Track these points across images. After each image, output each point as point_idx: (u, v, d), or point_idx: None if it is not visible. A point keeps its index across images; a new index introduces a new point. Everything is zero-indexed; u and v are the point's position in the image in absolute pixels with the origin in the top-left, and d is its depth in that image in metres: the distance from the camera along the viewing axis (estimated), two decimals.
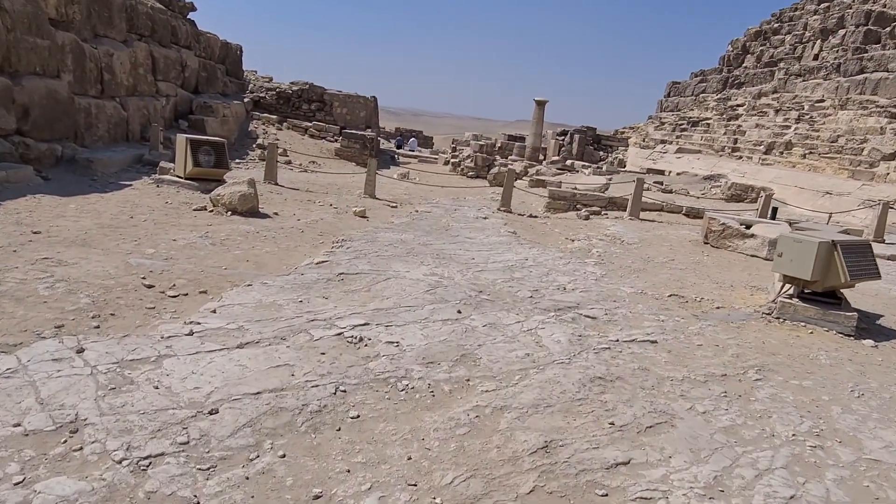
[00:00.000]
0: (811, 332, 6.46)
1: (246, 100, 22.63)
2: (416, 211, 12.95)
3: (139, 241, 7.84)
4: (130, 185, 11.95)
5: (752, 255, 11.06)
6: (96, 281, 6.03)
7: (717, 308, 7.21)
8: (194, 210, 10.29)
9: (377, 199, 14.53)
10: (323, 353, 4.51)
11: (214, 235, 8.62)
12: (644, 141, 34.67)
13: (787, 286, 6.95)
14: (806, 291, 6.85)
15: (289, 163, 19.32)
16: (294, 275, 6.84)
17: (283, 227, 9.93)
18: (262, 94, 22.88)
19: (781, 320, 6.73)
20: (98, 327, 4.83)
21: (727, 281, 8.82)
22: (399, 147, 33.08)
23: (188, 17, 20.87)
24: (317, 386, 3.98)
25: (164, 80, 18.09)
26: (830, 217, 15.04)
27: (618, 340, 5.54)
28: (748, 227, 11.67)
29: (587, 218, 14.23)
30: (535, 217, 14.22)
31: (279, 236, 9.17)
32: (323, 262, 7.47)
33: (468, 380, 4.40)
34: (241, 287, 6.23)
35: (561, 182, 20.37)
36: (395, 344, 4.81)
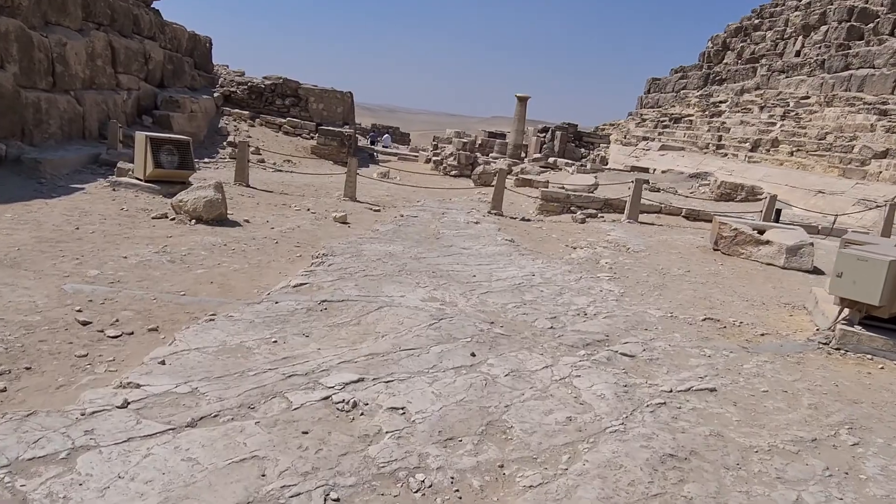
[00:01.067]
0: (882, 368, 5.40)
1: (216, 94, 21.13)
2: (402, 216, 11.74)
3: (82, 259, 6.51)
4: (82, 188, 10.55)
5: (769, 264, 10.05)
6: (17, 317, 4.73)
7: (762, 335, 6.13)
8: (153, 218, 8.95)
9: (358, 201, 13.28)
10: (305, 433, 3.29)
11: (174, 250, 7.32)
12: (625, 138, 33.79)
13: (845, 311, 5.90)
14: (869, 317, 5.81)
15: (262, 162, 17.93)
16: (267, 303, 5.60)
17: (254, 237, 8.65)
18: (232, 89, 21.39)
19: (843, 352, 5.67)
20: (3, 391, 3.57)
21: (756, 297, 7.77)
22: (373, 143, 31.53)
23: (152, 5, 19.32)
24: (298, 495, 2.76)
25: (126, 73, 16.57)
26: (836, 219, 14.16)
27: (671, 391, 4.40)
28: (761, 232, 10.67)
29: (583, 221, 13.15)
30: (529, 220, 13.10)
31: (250, 249, 7.89)
32: (301, 284, 6.23)
33: (502, 466, 3.23)
34: (202, 322, 4.97)
35: (549, 181, 19.28)
36: (401, 411, 3.61)
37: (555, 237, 11.34)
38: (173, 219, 8.95)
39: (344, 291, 6.00)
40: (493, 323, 5.51)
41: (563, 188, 18.11)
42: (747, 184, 20.91)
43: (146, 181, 10.70)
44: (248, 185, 13.21)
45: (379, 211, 12.47)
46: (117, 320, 4.99)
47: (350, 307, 5.55)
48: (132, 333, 4.78)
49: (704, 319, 6.45)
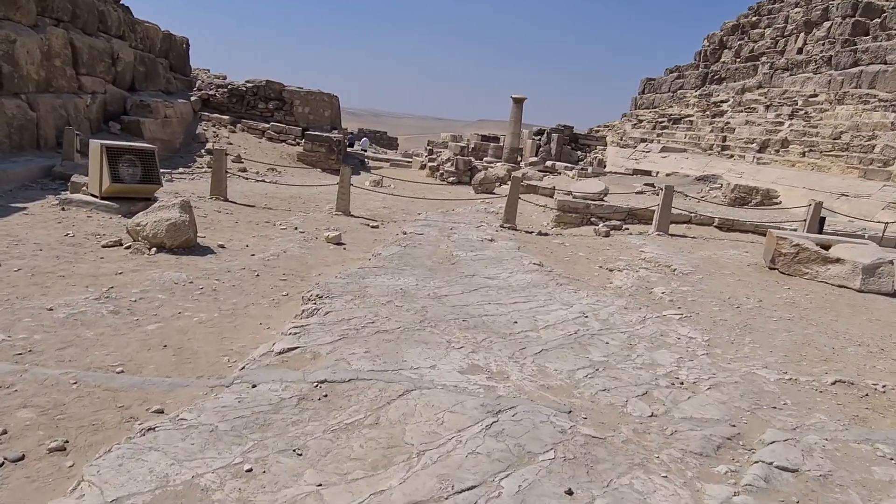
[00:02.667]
0: None
1: (193, 98, 19.17)
2: (405, 233, 9.92)
3: None
4: (24, 208, 8.64)
5: (841, 286, 8.38)
6: None
7: None
8: (104, 247, 7.07)
9: (353, 216, 11.45)
10: None
11: (122, 294, 5.47)
12: (622, 140, 32.20)
13: None
14: None
15: (243, 171, 16.03)
16: (240, 386, 3.78)
17: (230, 268, 6.81)
18: (211, 92, 19.44)
19: None
20: None
21: (864, 338, 6.06)
22: (351, 146, 29.31)
23: (121, 2, 17.36)
24: None
25: (90, 75, 14.61)
26: (886, 227, 12.54)
27: None
28: (826, 247, 9.00)
29: (607, 234, 11.43)
30: (546, 235, 11.34)
31: (223, 287, 6.06)
32: (289, 349, 4.40)
33: None
34: (135, 438, 3.15)
35: (555, 187, 17.56)
36: None
37: (583, 256, 9.59)
38: (129, 247, 7.08)
39: (350, 363, 4.18)
40: (570, 412, 3.72)
41: (570, 194, 16.41)
42: (762, 187, 19.39)
43: (103, 198, 8.84)
44: (226, 199, 11.34)
45: (377, 227, 10.66)
46: (4, 431, 3.16)
47: (362, 393, 3.74)
48: (21, 459, 2.96)
49: (834, 383, 4.71)
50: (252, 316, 5.35)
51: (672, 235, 11.56)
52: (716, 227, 12.45)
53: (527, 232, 11.33)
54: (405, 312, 5.46)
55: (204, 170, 15.99)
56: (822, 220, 12.15)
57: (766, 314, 6.67)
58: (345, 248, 8.78)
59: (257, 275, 6.75)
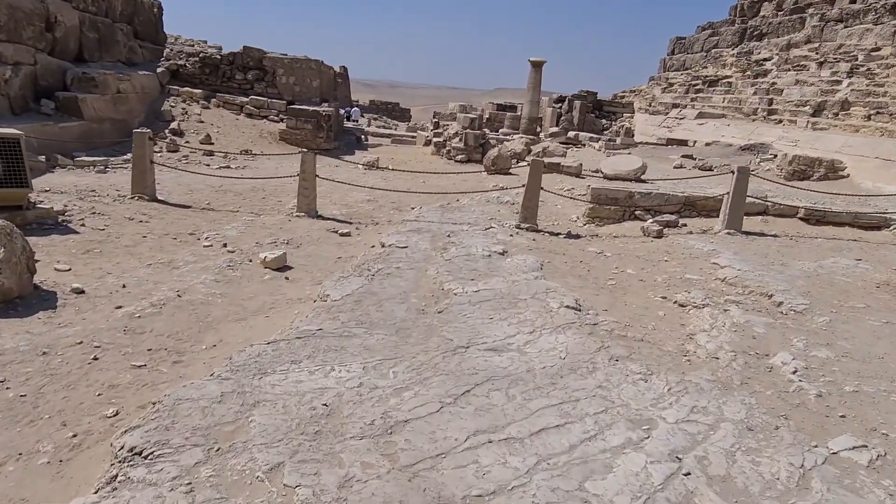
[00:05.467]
0: None
1: (160, 70, 16.08)
2: (383, 246, 6.85)
3: None
4: None
5: None
6: None
7: None
8: None
9: (321, 217, 8.43)
10: None
11: None
12: (651, 106, 28.57)
13: None
14: None
15: (209, 155, 13.03)
16: None
17: (52, 346, 3.87)
18: (181, 62, 16.32)
19: None
20: None
21: None
22: (348, 119, 25.69)
23: None
24: None
25: (11, 41, 11.61)
26: None
27: None
28: None
29: (659, 235, 8.27)
30: (578, 237, 8.22)
31: (14, 400, 3.12)
32: None
33: None
34: None
35: (581, 165, 14.34)
36: None
37: (633, 275, 6.49)
38: None
39: None
40: None
41: (599, 173, 13.18)
42: (825, 157, 15.96)
43: None
44: (152, 199, 8.36)
45: (348, 235, 7.62)
46: None
47: None
48: None
49: None
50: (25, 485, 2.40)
51: (746, 234, 8.37)
52: (800, 218, 9.19)
53: (551, 233, 8.21)
54: (349, 451, 2.46)
55: (165, 155, 13.04)
56: None
57: None
58: (287, 279, 5.79)
59: (95, 358, 3.80)
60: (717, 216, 8.87)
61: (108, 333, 4.17)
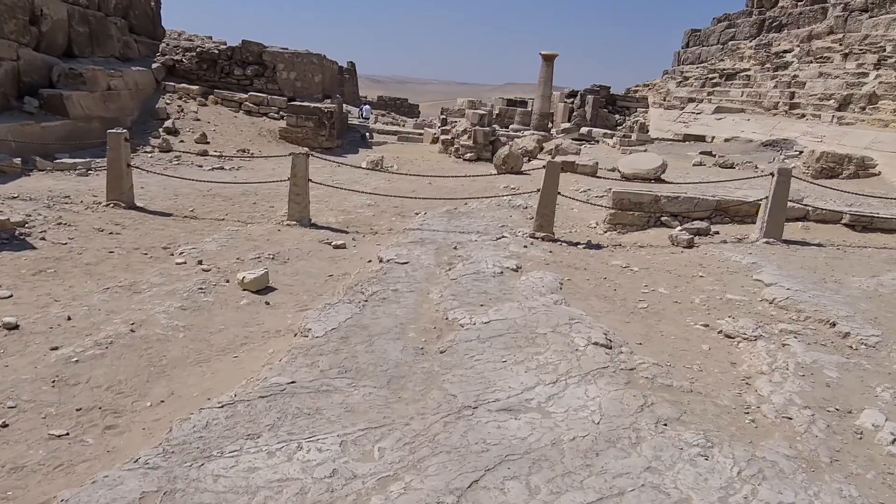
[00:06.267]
0: None
1: (155, 66, 15.28)
2: (380, 261, 5.99)
3: None
4: None
5: None
6: None
7: None
8: None
9: (313, 226, 7.58)
10: None
11: None
12: (666, 100, 27.48)
13: None
14: None
15: (203, 155, 12.20)
16: None
17: None
18: (177, 57, 15.51)
19: None
20: None
21: None
22: (362, 117, 24.90)
23: None
24: None
25: None
26: None
27: None
28: None
29: (690, 244, 7.35)
30: (599, 247, 7.32)
31: None
32: None
33: None
34: None
35: (597, 163, 13.42)
36: None
37: (666, 294, 5.60)
38: None
39: None
40: None
41: (617, 173, 12.26)
42: (854, 154, 14.95)
43: None
44: (129, 206, 7.53)
45: (342, 247, 6.76)
46: None
47: None
48: None
49: None
50: None
51: (787, 243, 7.43)
52: (845, 224, 8.24)
53: (569, 243, 7.31)
54: None
55: (157, 154, 12.25)
56: None
57: None
58: (267, 304, 4.95)
59: (4, 425, 2.97)
60: (752, 222, 7.94)
61: (30, 387, 3.34)
